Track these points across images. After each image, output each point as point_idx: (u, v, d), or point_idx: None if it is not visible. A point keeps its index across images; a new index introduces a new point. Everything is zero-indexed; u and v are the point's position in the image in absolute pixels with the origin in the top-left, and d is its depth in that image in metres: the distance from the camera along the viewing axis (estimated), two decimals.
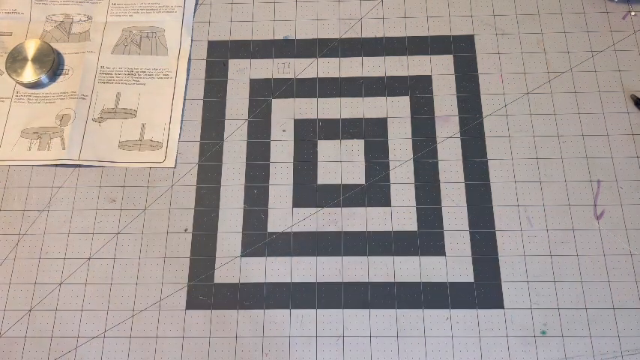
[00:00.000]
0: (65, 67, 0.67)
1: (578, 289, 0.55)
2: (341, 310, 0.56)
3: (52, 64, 0.65)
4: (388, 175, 0.61)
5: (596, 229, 0.58)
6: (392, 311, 0.56)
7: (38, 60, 0.66)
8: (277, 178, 0.61)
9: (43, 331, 0.56)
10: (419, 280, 0.56)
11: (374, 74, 0.65)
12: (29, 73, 0.65)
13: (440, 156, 0.61)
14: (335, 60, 0.66)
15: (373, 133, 0.63)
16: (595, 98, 0.63)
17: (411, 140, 0.62)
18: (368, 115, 0.64)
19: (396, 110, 0.64)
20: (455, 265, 0.57)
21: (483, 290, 0.56)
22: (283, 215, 0.60)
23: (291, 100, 0.65)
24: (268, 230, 0.59)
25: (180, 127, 0.64)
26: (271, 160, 0.62)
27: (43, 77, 0.65)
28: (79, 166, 0.63)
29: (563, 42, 0.65)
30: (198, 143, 0.63)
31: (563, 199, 0.59)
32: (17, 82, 0.66)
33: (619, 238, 0.57)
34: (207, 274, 0.58)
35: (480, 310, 0.55)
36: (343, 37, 0.67)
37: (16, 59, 0.66)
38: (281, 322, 0.56)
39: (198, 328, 0.56)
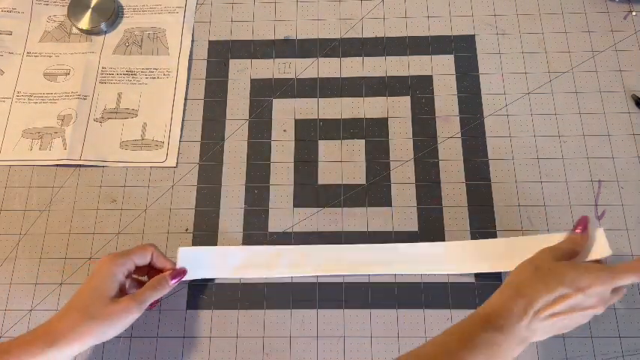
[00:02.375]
0: (66, 68, 0.67)
1: None
2: (342, 310, 0.56)
3: (112, 14, 0.68)
4: (389, 175, 0.61)
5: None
6: (393, 311, 0.55)
7: (99, 8, 0.68)
8: (278, 178, 0.61)
9: None
10: (420, 281, 0.56)
11: (375, 74, 0.65)
12: (89, 20, 0.68)
13: (441, 156, 0.61)
14: (336, 60, 0.66)
15: (374, 133, 0.63)
16: (596, 98, 0.63)
17: (411, 140, 0.62)
18: (369, 115, 0.64)
19: (397, 110, 0.64)
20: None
21: (484, 290, 0.56)
22: (284, 215, 0.60)
23: (292, 100, 0.65)
24: (269, 230, 0.59)
25: (182, 127, 0.64)
26: (272, 160, 0.62)
27: (103, 25, 0.67)
28: (80, 166, 0.63)
29: (564, 42, 0.65)
30: (199, 143, 0.63)
31: (564, 199, 0.59)
32: (77, 28, 0.68)
33: (620, 238, 0.57)
34: None
35: None
36: (344, 37, 0.67)
37: (77, 5, 0.68)
38: (282, 322, 0.56)
39: (198, 328, 0.56)
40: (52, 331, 0.45)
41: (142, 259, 0.52)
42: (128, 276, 0.52)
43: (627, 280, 0.45)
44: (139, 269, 0.53)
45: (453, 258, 0.56)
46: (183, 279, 0.54)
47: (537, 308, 0.43)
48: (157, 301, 0.54)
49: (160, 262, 0.54)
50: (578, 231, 0.51)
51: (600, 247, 0.53)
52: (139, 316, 0.49)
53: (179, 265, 0.54)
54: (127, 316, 0.48)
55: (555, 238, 0.51)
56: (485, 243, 0.57)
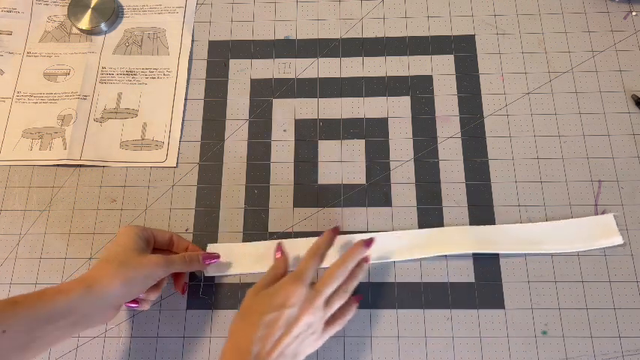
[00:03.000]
0: (66, 68, 0.67)
1: (579, 289, 0.55)
2: None
3: (112, 14, 0.68)
4: (389, 175, 0.61)
5: None
6: (392, 311, 0.55)
7: (99, 8, 0.68)
8: (278, 178, 0.61)
9: None
10: (419, 281, 0.56)
11: (375, 74, 0.65)
12: (89, 20, 0.68)
13: (441, 156, 0.61)
14: (336, 60, 0.66)
15: (374, 133, 0.63)
16: (596, 98, 0.63)
17: (411, 140, 0.62)
18: (369, 115, 0.64)
19: (397, 110, 0.64)
20: (456, 265, 0.57)
21: (484, 290, 0.56)
22: (284, 215, 0.60)
23: (292, 100, 0.65)
24: (269, 230, 0.59)
25: (182, 127, 0.64)
26: (272, 160, 0.62)
27: (103, 25, 0.67)
28: (80, 166, 0.63)
29: (564, 42, 0.65)
30: (199, 143, 0.63)
31: (564, 199, 0.59)
32: (77, 28, 0.68)
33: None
34: (208, 275, 0.58)
35: (480, 311, 0.55)
36: (344, 37, 0.67)
37: (77, 5, 0.68)
38: None
39: (198, 328, 0.56)
40: (85, 278, 0.46)
41: (161, 236, 0.54)
42: (149, 247, 0.53)
43: (311, 271, 0.47)
44: (159, 251, 0.55)
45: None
46: (212, 267, 0.56)
47: (257, 353, 0.43)
48: (186, 284, 0.56)
49: (182, 244, 0.56)
50: (277, 255, 0.54)
51: (610, 234, 0.56)
52: (164, 277, 0.50)
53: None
54: (154, 270, 0.48)
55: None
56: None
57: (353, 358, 0.54)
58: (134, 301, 0.52)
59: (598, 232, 0.56)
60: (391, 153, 0.62)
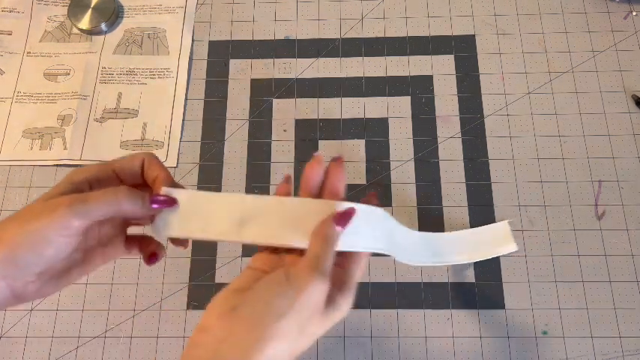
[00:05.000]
0: (66, 68, 0.67)
1: (580, 289, 0.55)
2: None
3: (112, 14, 0.68)
4: (389, 174, 0.61)
5: (597, 229, 0.57)
6: (393, 311, 0.55)
7: (99, 8, 0.68)
8: (278, 178, 0.61)
9: (43, 331, 0.56)
10: (420, 281, 0.56)
11: (375, 74, 0.65)
12: (89, 20, 0.68)
13: (441, 156, 0.61)
14: (336, 60, 0.66)
15: (374, 133, 0.63)
16: (596, 98, 0.63)
17: (412, 140, 0.62)
18: (369, 115, 0.64)
19: (397, 110, 0.64)
20: (456, 265, 0.57)
21: (484, 290, 0.56)
22: None
23: (292, 100, 0.65)
24: None
25: (182, 127, 0.64)
26: (272, 160, 0.62)
27: (103, 25, 0.68)
28: (81, 166, 0.63)
29: (565, 42, 0.65)
30: (199, 143, 0.63)
31: (564, 199, 0.59)
32: (77, 28, 0.68)
33: (620, 238, 0.57)
34: (208, 274, 0.58)
35: (481, 311, 0.55)
36: (344, 37, 0.67)
37: (77, 5, 0.68)
38: None
39: None
40: None
41: (129, 166, 0.37)
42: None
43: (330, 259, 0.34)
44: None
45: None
46: (167, 222, 0.36)
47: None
48: (155, 255, 0.39)
49: (150, 173, 0.37)
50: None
51: (505, 241, 0.56)
52: (84, 225, 0.32)
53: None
54: (55, 218, 0.31)
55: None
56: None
57: (353, 357, 0.54)
58: (152, 257, 0.38)
59: (494, 241, 0.57)
60: (391, 153, 0.62)
